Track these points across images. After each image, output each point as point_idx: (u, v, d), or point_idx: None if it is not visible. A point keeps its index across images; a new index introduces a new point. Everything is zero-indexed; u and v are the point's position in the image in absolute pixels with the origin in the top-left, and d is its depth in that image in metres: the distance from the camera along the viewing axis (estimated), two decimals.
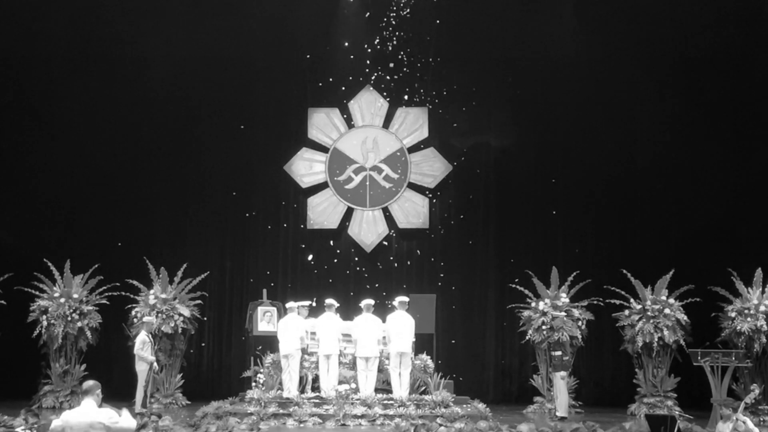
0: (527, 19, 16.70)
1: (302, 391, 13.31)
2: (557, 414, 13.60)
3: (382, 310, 14.01)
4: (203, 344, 16.87)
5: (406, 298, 13.59)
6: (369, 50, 17.13)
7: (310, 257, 17.11)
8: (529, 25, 16.71)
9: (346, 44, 17.12)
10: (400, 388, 13.02)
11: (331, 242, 17.23)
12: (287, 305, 13.72)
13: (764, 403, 13.86)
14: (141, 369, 13.51)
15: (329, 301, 13.70)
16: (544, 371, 15.34)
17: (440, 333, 15.83)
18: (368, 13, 16.99)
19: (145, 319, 14.05)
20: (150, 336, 13.72)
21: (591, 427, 11.85)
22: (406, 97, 17.28)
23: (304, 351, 13.47)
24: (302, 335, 13.39)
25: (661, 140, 16.52)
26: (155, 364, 13.71)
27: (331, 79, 17.27)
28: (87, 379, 7.36)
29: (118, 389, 14.55)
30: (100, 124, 16.64)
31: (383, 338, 13.33)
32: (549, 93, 16.95)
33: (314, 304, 14.53)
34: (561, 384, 13.71)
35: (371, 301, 13.61)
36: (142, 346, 13.50)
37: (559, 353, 13.81)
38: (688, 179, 16.27)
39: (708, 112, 16.15)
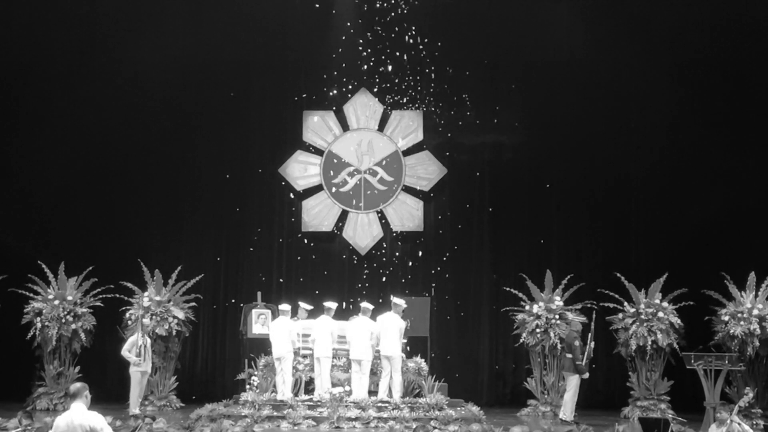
0: (523, 22, 16.72)
1: (296, 393, 13.32)
2: (562, 417, 13.60)
3: (376, 313, 13.99)
4: (198, 343, 16.86)
5: (399, 301, 13.54)
6: (364, 53, 17.13)
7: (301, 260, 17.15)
8: (525, 28, 16.72)
9: (341, 47, 17.10)
10: (386, 392, 13.02)
11: (326, 245, 17.24)
12: (280, 307, 13.72)
13: (757, 407, 13.91)
14: (133, 371, 13.48)
15: (327, 303, 13.72)
16: (538, 374, 15.38)
17: (434, 336, 15.85)
18: (363, 16, 17.01)
19: (143, 321, 14.00)
20: (143, 337, 13.66)
21: (584, 430, 11.89)
22: (401, 100, 17.28)
23: (296, 353, 13.49)
24: (293, 338, 13.40)
25: (656, 145, 16.58)
26: (140, 365, 13.56)
27: (326, 82, 17.28)
28: (81, 381, 7.32)
29: (112, 391, 14.61)
30: (95, 125, 16.61)
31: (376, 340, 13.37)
32: (545, 96, 16.97)
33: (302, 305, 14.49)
34: (572, 386, 13.68)
35: (368, 305, 13.58)
36: (130, 347, 13.47)
37: (579, 365, 13.67)
38: (682, 183, 16.31)
39: (703, 117, 16.19)
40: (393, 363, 13.08)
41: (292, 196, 17.37)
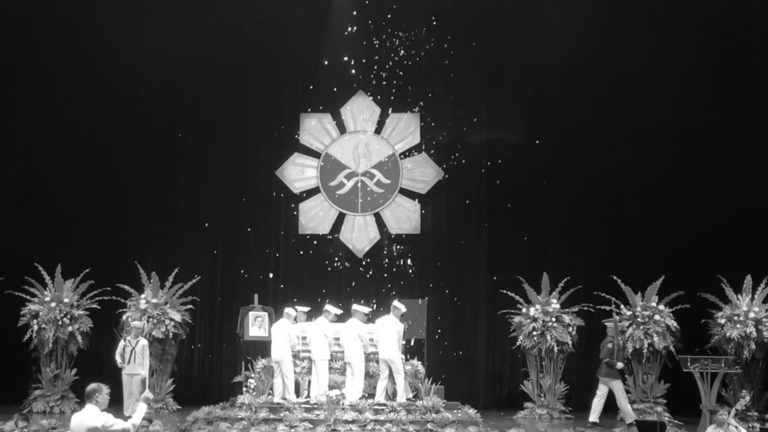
0: (522, 24, 16.75)
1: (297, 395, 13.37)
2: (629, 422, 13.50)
3: (374, 315, 14.01)
4: (195, 346, 16.86)
5: (399, 305, 13.54)
6: (361, 56, 17.16)
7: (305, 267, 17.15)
8: (523, 31, 16.75)
9: (339, 49, 17.12)
10: (383, 395, 13.07)
11: (324, 247, 17.24)
12: (286, 310, 13.74)
13: (753, 410, 13.94)
14: (123, 374, 13.45)
15: (327, 306, 13.75)
16: (535, 377, 15.39)
17: (431, 338, 15.86)
18: (361, 18, 17.02)
19: (133, 323, 13.99)
20: (130, 341, 13.49)
21: None
22: (398, 102, 17.29)
23: (296, 356, 13.50)
24: (294, 341, 13.42)
25: (654, 147, 16.59)
26: (123, 368, 13.44)
27: (323, 85, 17.28)
28: (78, 383, 7.36)
29: (110, 393, 14.57)
30: (92, 127, 16.63)
31: (370, 341, 13.39)
32: (542, 99, 16.99)
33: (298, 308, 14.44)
34: (619, 392, 13.61)
35: (357, 307, 13.60)
36: (121, 350, 13.45)
37: (609, 360, 13.67)
38: (678, 186, 16.34)
39: (701, 120, 16.21)
40: (394, 366, 13.09)
41: (289, 198, 17.36)
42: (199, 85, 17.10)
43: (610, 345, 13.63)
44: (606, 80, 16.70)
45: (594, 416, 13.64)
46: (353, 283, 16.95)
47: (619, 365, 13.59)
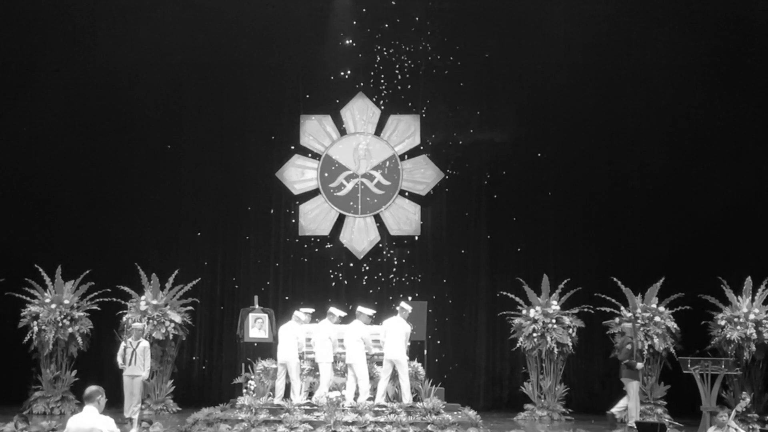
0: (521, 27, 16.74)
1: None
2: (630, 425, 13.49)
3: (380, 316, 14.01)
4: (194, 358, 16.86)
5: (406, 306, 13.55)
6: (362, 57, 17.17)
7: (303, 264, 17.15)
8: (523, 34, 16.74)
9: (339, 51, 17.14)
10: (383, 396, 13.07)
11: (323, 249, 17.24)
12: (295, 313, 13.75)
13: (753, 411, 13.94)
14: (123, 375, 13.44)
15: (331, 309, 13.77)
16: (535, 378, 15.38)
17: (431, 340, 15.86)
18: (361, 20, 17.03)
19: (134, 325, 13.96)
20: (131, 342, 13.47)
21: None
22: (398, 104, 17.28)
23: (301, 357, 13.52)
24: (300, 343, 13.44)
25: (653, 150, 16.59)
26: (124, 369, 13.43)
27: (323, 86, 17.28)
28: (78, 385, 7.36)
29: (109, 395, 14.56)
30: (92, 128, 16.66)
31: (374, 342, 13.39)
32: (543, 102, 16.97)
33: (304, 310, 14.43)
34: (633, 393, 13.56)
35: (361, 309, 13.61)
36: (122, 351, 13.43)
37: (629, 361, 13.65)
38: (678, 188, 16.34)
39: (700, 122, 16.23)
40: (399, 367, 13.10)
41: (289, 200, 17.35)
42: (199, 88, 17.10)
43: (629, 346, 13.61)
44: (606, 84, 16.72)
45: (616, 409, 13.58)
46: (353, 285, 16.92)
47: (639, 365, 13.56)
